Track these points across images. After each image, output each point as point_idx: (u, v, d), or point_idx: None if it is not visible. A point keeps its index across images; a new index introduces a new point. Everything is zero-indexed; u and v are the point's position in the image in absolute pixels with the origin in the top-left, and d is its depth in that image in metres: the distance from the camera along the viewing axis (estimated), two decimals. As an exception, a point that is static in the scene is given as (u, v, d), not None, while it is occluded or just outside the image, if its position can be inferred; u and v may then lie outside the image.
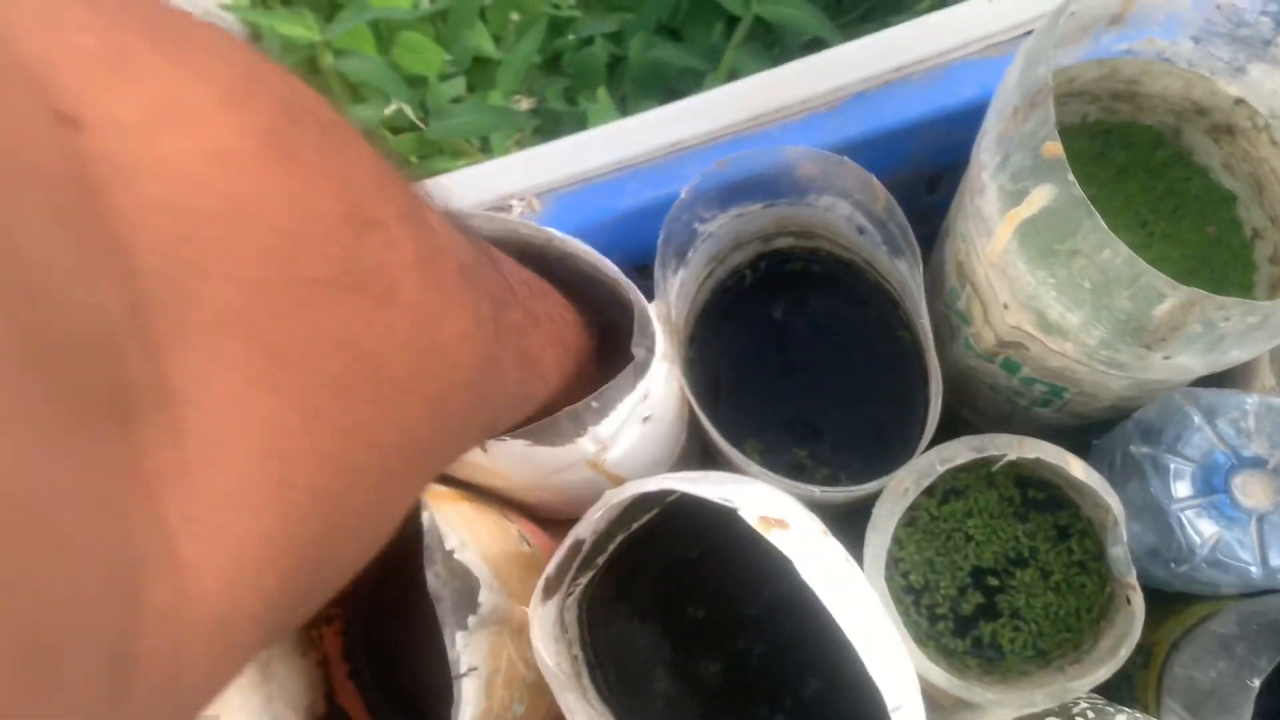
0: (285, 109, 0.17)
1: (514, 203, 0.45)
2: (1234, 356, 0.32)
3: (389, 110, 0.55)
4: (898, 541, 0.39)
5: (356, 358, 0.18)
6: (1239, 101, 0.39)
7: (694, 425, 0.42)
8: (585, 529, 0.34)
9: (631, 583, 0.40)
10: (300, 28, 0.62)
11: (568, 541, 0.33)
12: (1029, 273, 0.33)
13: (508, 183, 0.45)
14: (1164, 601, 0.39)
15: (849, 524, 0.37)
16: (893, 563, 0.39)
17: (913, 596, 0.39)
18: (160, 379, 0.15)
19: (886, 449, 0.44)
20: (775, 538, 0.30)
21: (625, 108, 0.60)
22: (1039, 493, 0.40)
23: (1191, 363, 0.32)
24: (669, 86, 0.59)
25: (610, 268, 0.36)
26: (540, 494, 0.40)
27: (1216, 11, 0.36)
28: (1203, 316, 0.30)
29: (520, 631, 0.37)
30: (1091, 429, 0.42)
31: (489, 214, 0.38)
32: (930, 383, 0.39)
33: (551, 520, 0.43)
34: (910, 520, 0.40)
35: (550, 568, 0.33)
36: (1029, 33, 0.42)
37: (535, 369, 0.31)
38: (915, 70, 0.44)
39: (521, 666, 0.37)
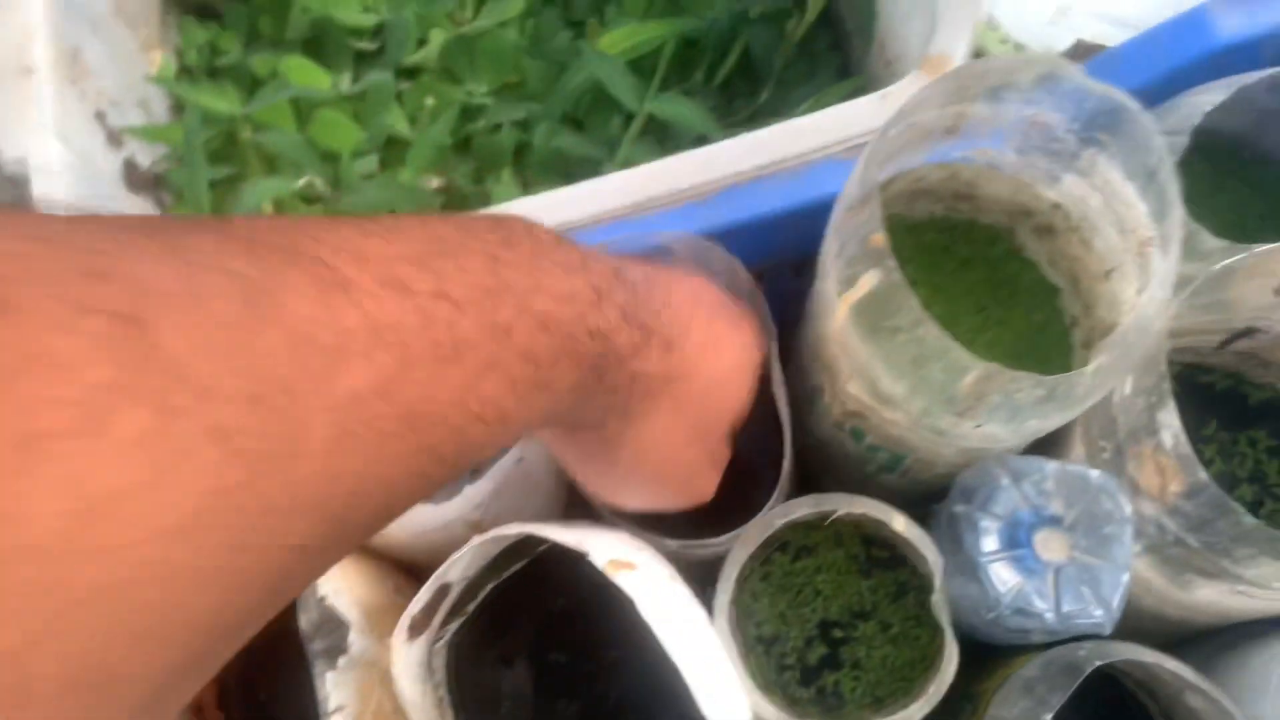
0: None
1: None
2: (1033, 426, 0.36)
3: (301, 182, 0.58)
4: (753, 594, 0.43)
5: None
6: (1056, 206, 0.44)
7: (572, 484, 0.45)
8: (454, 572, 0.36)
9: (500, 629, 0.43)
10: (223, 101, 0.65)
11: (433, 583, 0.36)
12: (862, 347, 0.37)
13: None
14: (992, 654, 0.42)
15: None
16: (748, 614, 0.42)
17: (764, 646, 0.42)
18: None
19: (749, 511, 0.47)
20: (622, 579, 0.33)
21: (528, 190, 0.63)
22: (881, 551, 0.43)
23: (998, 431, 0.37)
24: (570, 172, 0.63)
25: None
26: (418, 555, 0.43)
27: (1032, 129, 0.41)
28: (1000, 388, 0.34)
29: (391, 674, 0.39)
30: (933, 496, 0.46)
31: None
32: (785, 448, 0.42)
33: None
34: (765, 575, 0.43)
35: (415, 607, 0.35)
36: (880, 138, 0.47)
37: None
38: (782, 167, 0.49)
39: (389, 707, 0.39)
